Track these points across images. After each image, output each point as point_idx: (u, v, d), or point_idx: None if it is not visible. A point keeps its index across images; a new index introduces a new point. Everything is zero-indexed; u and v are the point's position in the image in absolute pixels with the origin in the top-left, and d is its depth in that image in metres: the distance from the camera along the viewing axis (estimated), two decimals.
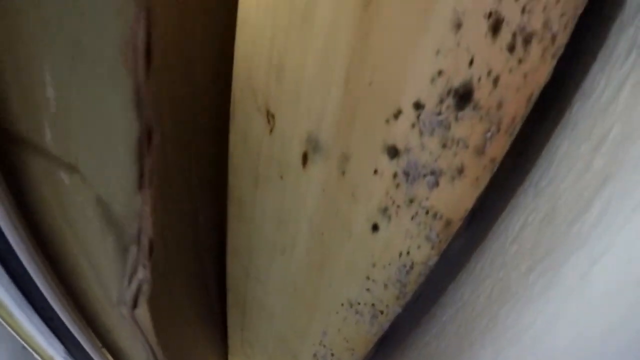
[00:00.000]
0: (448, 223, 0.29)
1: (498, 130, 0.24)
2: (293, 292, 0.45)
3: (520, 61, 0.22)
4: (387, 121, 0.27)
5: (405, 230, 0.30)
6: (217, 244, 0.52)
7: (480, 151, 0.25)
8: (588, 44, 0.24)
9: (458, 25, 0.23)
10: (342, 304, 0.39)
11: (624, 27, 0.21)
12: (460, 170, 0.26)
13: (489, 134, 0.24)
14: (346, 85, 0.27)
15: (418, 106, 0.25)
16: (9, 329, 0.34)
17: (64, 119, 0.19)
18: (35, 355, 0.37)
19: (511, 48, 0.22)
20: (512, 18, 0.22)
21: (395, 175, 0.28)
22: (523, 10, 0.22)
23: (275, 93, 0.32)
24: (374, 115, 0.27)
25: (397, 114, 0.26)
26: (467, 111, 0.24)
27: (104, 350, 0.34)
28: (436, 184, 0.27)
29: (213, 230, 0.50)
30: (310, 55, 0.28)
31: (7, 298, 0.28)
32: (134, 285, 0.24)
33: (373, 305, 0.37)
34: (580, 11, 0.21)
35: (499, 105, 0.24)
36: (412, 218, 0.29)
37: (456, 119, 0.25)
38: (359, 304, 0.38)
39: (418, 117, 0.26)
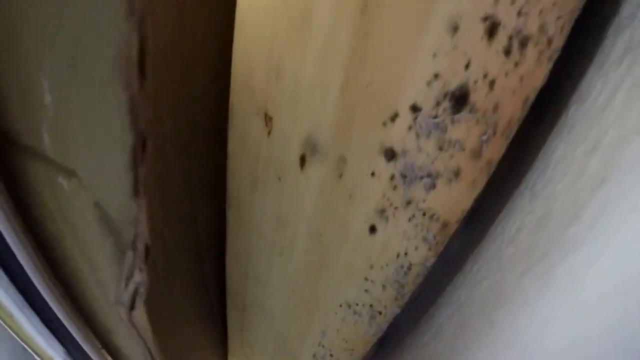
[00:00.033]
0: (445, 225, 0.29)
1: (494, 133, 0.24)
2: (292, 293, 0.45)
3: (516, 64, 0.23)
4: (384, 124, 0.27)
5: (403, 231, 0.30)
6: (218, 244, 0.52)
7: (476, 154, 0.25)
8: (585, 47, 0.24)
9: (454, 29, 0.23)
10: (341, 305, 0.39)
11: (620, 30, 0.22)
12: (457, 173, 0.26)
13: (485, 137, 0.24)
14: (344, 88, 0.27)
15: (415, 109, 0.25)
16: (9, 330, 0.34)
17: (62, 125, 0.20)
18: (36, 357, 0.37)
19: (507, 51, 0.23)
20: (508, 21, 0.22)
21: (392, 178, 0.29)
22: (519, 14, 0.22)
23: (273, 95, 0.32)
24: (371, 118, 0.27)
25: (394, 117, 0.26)
26: (464, 114, 0.24)
27: (103, 351, 0.34)
28: (433, 186, 0.27)
29: (213, 231, 0.50)
30: (309, 58, 0.28)
31: (8, 300, 0.28)
32: (131, 288, 0.24)
33: (371, 306, 0.37)
34: (576, 14, 0.21)
35: (495, 108, 0.24)
36: (410, 220, 0.30)
37: (452, 121, 0.25)
38: (357, 304, 0.38)
39: (415, 119, 0.26)
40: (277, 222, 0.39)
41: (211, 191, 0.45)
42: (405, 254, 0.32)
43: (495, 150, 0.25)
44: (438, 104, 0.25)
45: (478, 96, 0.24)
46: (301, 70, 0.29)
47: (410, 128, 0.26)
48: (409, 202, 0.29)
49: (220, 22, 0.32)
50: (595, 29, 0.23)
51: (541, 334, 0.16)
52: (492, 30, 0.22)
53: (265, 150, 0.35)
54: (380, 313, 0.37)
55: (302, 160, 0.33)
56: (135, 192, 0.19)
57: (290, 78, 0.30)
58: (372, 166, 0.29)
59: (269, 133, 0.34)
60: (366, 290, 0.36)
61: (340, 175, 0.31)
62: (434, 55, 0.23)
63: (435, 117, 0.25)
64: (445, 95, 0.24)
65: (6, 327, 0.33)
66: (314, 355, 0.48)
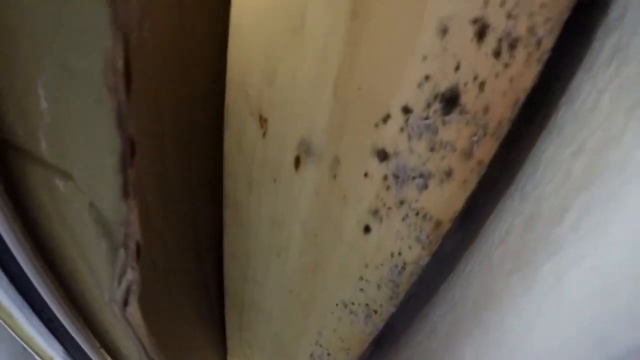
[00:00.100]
0: (438, 224, 0.29)
1: (484, 134, 0.25)
2: (289, 294, 0.45)
3: (506, 66, 0.23)
4: (377, 125, 0.27)
5: (396, 231, 0.31)
6: (217, 244, 0.52)
7: (467, 154, 0.25)
8: (575, 49, 0.24)
9: (444, 31, 0.23)
10: (337, 304, 0.40)
11: (609, 32, 0.22)
12: (449, 173, 0.26)
13: (475, 138, 0.25)
14: (336, 90, 0.28)
15: (406, 110, 0.26)
16: (9, 330, 0.34)
17: (58, 130, 0.20)
18: (35, 356, 0.38)
19: (497, 53, 0.23)
20: (498, 24, 0.22)
21: (385, 178, 0.29)
22: (508, 16, 0.22)
23: (267, 98, 0.32)
24: (364, 120, 0.28)
25: (386, 118, 0.27)
26: (454, 115, 0.24)
27: (102, 350, 0.35)
28: (425, 186, 0.28)
29: (213, 231, 0.50)
30: (302, 61, 0.29)
31: (7, 300, 0.29)
32: (123, 286, 0.25)
33: (367, 305, 0.37)
34: (565, 16, 0.22)
35: (485, 110, 0.24)
36: (403, 219, 0.30)
37: (443, 123, 0.25)
38: (353, 304, 0.38)
39: (406, 121, 0.26)
40: (273, 223, 0.40)
41: (211, 191, 0.45)
42: (399, 253, 0.32)
43: (486, 150, 0.25)
44: (429, 105, 0.25)
45: (468, 98, 0.24)
46: (295, 72, 0.29)
47: (402, 129, 0.26)
48: (402, 202, 0.29)
49: (220, 22, 0.33)
50: (585, 31, 0.23)
51: (527, 334, 0.17)
52: (481, 32, 0.23)
53: (260, 151, 0.35)
54: (375, 312, 0.37)
55: (297, 161, 0.33)
56: (125, 194, 0.20)
57: (284, 80, 0.30)
58: (365, 167, 0.29)
59: (263, 134, 0.34)
60: (361, 290, 0.37)
61: (334, 176, 0.31)
62: (424, 58, 0.24)
63: (426, 118, 0.25)
64: (435, 97, 0.25)
65: (6, 327, 0.34)
66: (312, 355, 0.48)
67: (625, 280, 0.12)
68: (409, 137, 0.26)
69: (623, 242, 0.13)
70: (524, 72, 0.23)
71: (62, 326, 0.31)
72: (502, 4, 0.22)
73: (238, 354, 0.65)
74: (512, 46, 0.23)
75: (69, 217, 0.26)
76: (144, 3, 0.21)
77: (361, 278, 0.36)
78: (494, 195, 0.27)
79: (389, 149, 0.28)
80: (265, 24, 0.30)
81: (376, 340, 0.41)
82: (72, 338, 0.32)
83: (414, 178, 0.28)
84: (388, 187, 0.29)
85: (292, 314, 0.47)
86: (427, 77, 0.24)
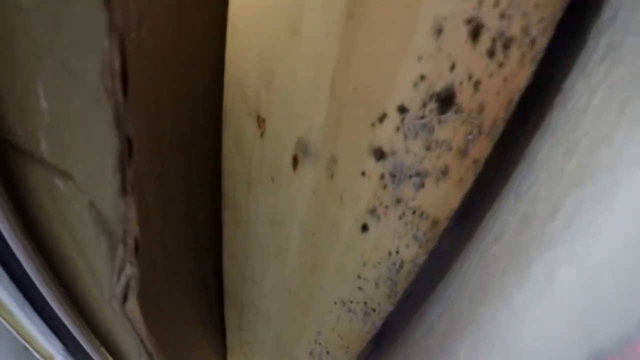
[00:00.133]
0: (435, 223, 0.29)
1: (480, 132, 0.25)
2: (288, 293, 0.45)
3: (500, 66, 0.23)
4: (373, 124, 0.27)
5: (394, 230, 0.31)
6: (217, 244, 0.52)
7: (463, 153, 0.26)
8: (569, 49, 0.24)
9: (439, 31, 0.23)
10: (335, 303, 0.40)
11: (601, 32, 0.22)
12: (445, 172, 0.27)
13: (471, 137, 0.25)
14: (333, 90, 0.28)
15: (402, 110, 0.26)
16: (9, 328, 0.35)
17: (58, 130, 0.21)
18: (36, 354, 0.38)
19: (491, 53, 0.23)
20: (492, 24, 0.22)
21: (382, 177, 0.29)
22: (502, 16, 0.22)
23: (265, 98, 0.32)
24: (361, 119, 0.28)
25: (382, 118, 0.27)
26: (450, 114, 0.25)
27: (102, 349, 0.35)
28: (422, 185, 0.28)
29: (213, 231, 0.51)
30: (299, 62, 0.29)
31: (8, 298, 0.29)
32: (122, 281, 0.25)
33: (365, 303, 0.38)
34: (559, 16, 0.22)
35: (480, 109, 0.24)
36: (400, 218, 0.30)
37: (439, 122, 0.25)
38: (351, 302, 0.39)
39: (402, 120, 0.26)
40: (271, 223, 0.40)
41: (211, 191, 0.46)
42: (397, 252, 0.32)
43: (481, 149, 0.25)
44: (424, 104, 0.25)
45: (463, 97, 0.24)
46: (292, 73, 0.30)
47: (398, 129, 0.27)
48: (398, 201, 0.29)
49: (220, 22, 0.33)
50: (579, 31, 0.24)
51: (520, 328, 0.17)
52: (475, 32, 0.23)
53: (258, 151, 0.35)
54: (374, 310, 0.38)
55: (295, 161, 0.33)
56: (124, 192, 0.20)
57: (281, 81, 0.31)
58: (362, 166, 0.30)
59: (261, 134, 0.34)
60: (360, 288, 0.37)
61: (332, 176, 0.32)
62: (420, 58, 0.24)
63: (422, 117, 0.25)
64: (431, 97, 0.25)
65: (7, 325, 0.34)
66: (311, 353, 0.49)
67: (613, 275, 0.12)
68: (405, 136, 0.27)
69: (612, 239, 0.14)
70: (518, 71, 0.23)
71: (63, 324, 0.31)
72: (496, 4, 0.22)
73: (238, 354, 0.66)
74: (506, 46, 0.23)
75: (69, 216, 0.26)
76: (142, 4, 0.22)
77: (359, 276, 0.36)
78: (489, 194, 0.27)
79: (386, 148, 0.28)
80: (263, 25, 0.30)
81: (375, 338, 0.41)
82: (73, 336, 0.32)
83: (410, 177, 0.28)
84: (385, 186, 0.29)
85: (291, 313, 0.47)
86: (422, 77, 0.24)
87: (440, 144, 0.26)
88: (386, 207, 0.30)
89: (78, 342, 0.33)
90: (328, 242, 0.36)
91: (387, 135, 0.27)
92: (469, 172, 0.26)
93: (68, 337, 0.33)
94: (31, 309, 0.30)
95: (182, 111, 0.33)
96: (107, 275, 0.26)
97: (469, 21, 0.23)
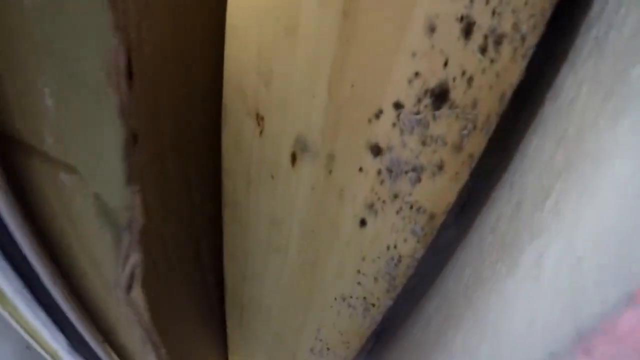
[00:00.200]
0: (432, 217, 0.30)
1: (474, 127, 0.25)
2: (288, 290, 0.46)
3: (492, 61, 0.24)
4: (370, 121, 0.28)
5: (392, 224, 0.31)
6: (217, 244, 0.53)
7: (458, 148, 0.26)
8: (559, 45, 0.25)
9: (432, 29, 0.24)
10: (335, 299, 0.41)
11: (589, 28, 0.23)
12: (440, 166, 0.27)
13: (465, 131, 0.25)
14: (330, 88, 0.29)
15: (398, 106, 0.27)
16: (14, 323, 0.35)
17: (63, 125, 0.21)
18: (40, 349, 0.38)
19: (483, 49, 0.24)
20: (483, 21, 0.23)
21: (379, 172, 0.30)
22: (493, 13, 0.23)
23: (264, 97, 0.33)
24: (358, 116, 0.28)
25: (379, 114, 0.27)
26: (444, 110, 0.25)
27: (106, 344, 0.36)
28: (418, 179, 0.28)
29: (213, 230, 0.51)
30: (297, 61, 0.30)
31: (13, 293, 0.30)
32: (127, 270, 0.26)
33: (365, 298, 0.38)
34: (548, 13, 0.23)
35: (474, 104, 0.25)
36: (397, 212, 0.31)
37: (434, 117, 0.26)
38: (351, 297, 0.39)
39: (398, 116, 0.27)
40: (271, 220, 0.40)
41: (211, 191, 0.46)
42: (395, 246, 0.33)
43: (476, 144, 0.26)
44: (419, 101, 0.26)
45: (457, 93, 0.25)
46: (290, 72, 0.30)
47: (394, 124, 0.27)
48: (396, 196, 0.30)
49: (220, 23, 0.33)
50: (568, 28, 0.24)
51: (509, 313, 0.18)
52: (468, 29, 0.23)
53: (258, 149, 0.36)
54: (373, 305, 0.38)
55: (293, 157, 0.34)
56: (130, 181, 0.21)
57: (280, 80, 0.31)
58: (359, 162, 0.30)
59: (260, 132, 0.35)
60: (359, 283, 0.37)
61: (330, 172, 0.32)
62: (414, 55, 0.25)
63: (417, 113, 0.26)
64: (425, 93, 0.25)
65: (11, 320, 0.34)
66: (312, 349, 0.49)
67: (595, 257, 0.13)
68: (401, 132, 0.27)
69: (594, 223, 0.14)
70: (510, 67, 0.24)
71: (67, 319, 0.32)
72: (487, 2, 0.23)
73: (239, 352, 0.66)
74: (498, 42, 0.23)
75: (73, 209, 0.27)
76: (141, 4, 0.22)
77: (358, 271, 0.36)
78: (486, 187, 0.28)
79: (382, 144, 0.28)
80: (261, 26, 0.31)
81: (376, 334, 0.42)
82: (77, 331, 0.33)
83: (407, 172, 0.29)
84: (382, 181, 0.30)
85: (291, 310, 0.48)
86: (416, 74, 0.25)
87: (436, 139, 0.26)
88: (384, 202, 0.31)
89: (82, 337, 0.33)
90: (327, 238, 0.36)
91: (383, 131, 0.28)
92: (465, 166, 0.27)
93: (72, 332, 0.33)
94: (36, 304, 0.30)
95: (182, 111, 0.34)
96: (111, 267, 0.27)
97: (461, 19, 0.23)
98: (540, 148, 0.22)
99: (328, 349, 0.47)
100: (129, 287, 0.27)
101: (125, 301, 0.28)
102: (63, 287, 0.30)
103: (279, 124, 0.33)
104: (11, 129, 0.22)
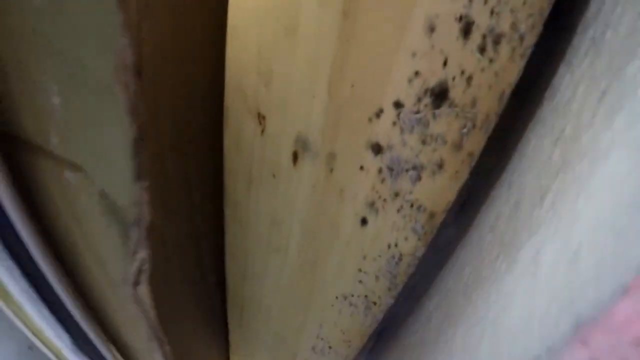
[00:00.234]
0: (432, 215, 0.30)
1: (473, 126, 0.26)
2: (289, 290, 0.46)
3: (491, 61, 0.24)
4: (370, 120, 0.28)
5: (392, 222, 0.32)
6: (218, 244, 0.53)
7: (458, 146, 0.26)
8: (557, 45, 0.25)
9: (431, 29, 0.24)
10: (337, 297, 0.41)
11: (586, 28, 0.23)
12: (440, 165, 0.28)
13: (465, 130, 0.26)
14: (331, 87, 0.29)
15: (398, 105, 0.27)
16: (18, 322, 0.36)
17: (69, 124, 0.22)
18: (43, 348, 0.39)
19: (482, 49, 0.24)
20: (482, 20, 0.23)
21: (380, 171, 0.30)
22: (492, 13, 0.23)
23: (265, 96, 0.33)
24: (358, 115, 0.29)
25: (379, 113, 0.28)
26: (444, 109, 0.26)
27: (110, 343, 0.36)
28: (418, 178, 0.29)
29: (213, 230, 0.51)
30: (296, 61, 0.30)
31: (18, 292, 0.30)
32: (135, 265, 0.26)
33: (366, 296, 0.38)
34: (546, 12, 0.23)
35: (473, 103, 0.25)
36: (398, 211, 0.31)
37: (434, 116, 0.26)
38: (352, 296, 0.39)
39: (398, 115, 0.27)
40: (272, 220, 0.41)
41: (211, 190, 0.46)
42: (396, 244, 0.33)
43: (476, 142, 0.26)
44: (419, 100, 0.26)
45: (456, 92, 0.25)
46: (290, 72, 0.31)
47: (394, 123, 0.28)
48: (396, 194, 0.30)
49: (220, 23, 0.34)
50: (566, 28, 0.25)
51: (509, 308, 0.18)
52: (467, 29, 0.24)
53: (259, 148, 0.36)
54: (375, 304, 0.38)
55: (295, 156, 0.34)
56: (138, 177, 0.21)
57: (280, 80, 0.32)
58: (360, 161, 0.30)
59: (262, 132, 0.35)
60: (360, 282, 0.38)
61: (331, 170, 0.33)
62: (413, 55, 0.25)
63: (417, 112, 0.26)
64: (425, 92, 0.26)
65: (16, 318, 0.35)
66: (313, 348, 0.49)
67: (590, 251, 0.13)
68: (402, 131, 0.28)
69: (590, 218, 0.15)
70: (509, 66, 0.24)
71: (71, 318, 0.32)
72: (486, 2, 0.23)
73: (240, 352, 0.66)
74: (496, 42, 0.24)
75: (79, 208, 0.27)
76: (142, 4, 0.23)
77: (360, 270, 0.37)
78: (484, 186, 0.28)
79: (383, 143, 0.29)
80: (261, 26, 0.31)
81: (377, 332, 0.42)
82: (81, 330, 0.33)
83: (407, 170, 0.29)
84: (383, 180, 0.30)
85: (292, 309, 0.48)
86: (416, 73, 0.25)
87: (436, 138, 0.27)
88: (384, 200, 0.31)
89: (86, 335, 0.34)
90: (328, 236, 0.37)
91: (384, 130, 0.28)
92: (464, 165, 0.27)
93: (76, 330, 0.34)
94: (40, 302, 0.31)
95: (182, 111, 0.34)
96: (117, 264, 0.27)
97: (460, 18, 0.24)
98: (538, 147, 0.22)
99: (330, 347, 0.47)
100: (137, 283, 0.27)
101: (133, 298, 0.28)
102: (67, 285, 0.30)
103: (280, 123, 0.33)
104: (17, 128, 0.23)
